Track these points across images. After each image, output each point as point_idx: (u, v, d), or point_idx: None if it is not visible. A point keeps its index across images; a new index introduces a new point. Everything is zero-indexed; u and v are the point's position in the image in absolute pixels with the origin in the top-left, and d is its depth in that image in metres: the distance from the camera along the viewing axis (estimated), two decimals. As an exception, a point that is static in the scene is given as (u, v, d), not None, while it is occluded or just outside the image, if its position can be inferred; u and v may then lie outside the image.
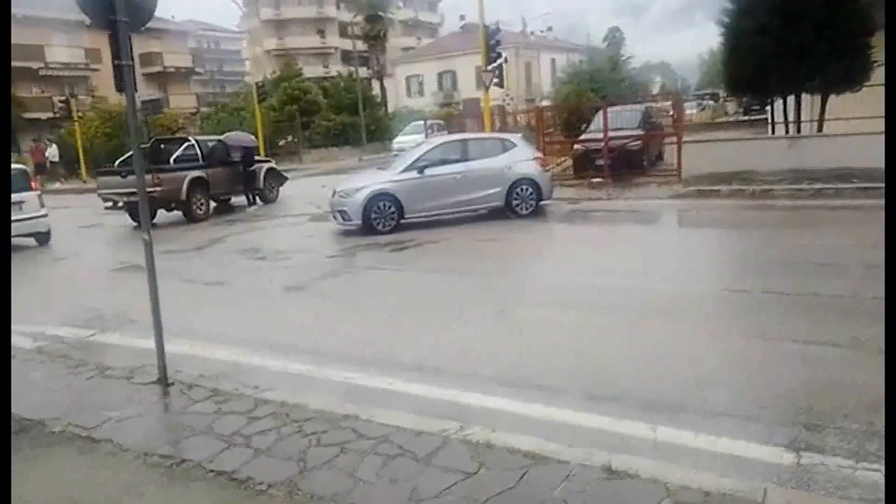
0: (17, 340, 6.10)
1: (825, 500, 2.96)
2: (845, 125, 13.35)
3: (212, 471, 3.49)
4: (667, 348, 5.03)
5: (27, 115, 36.89)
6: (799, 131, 14.58)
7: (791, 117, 14.78)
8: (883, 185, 11.26)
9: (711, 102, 43.51)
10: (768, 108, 17.55)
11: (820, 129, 14.19)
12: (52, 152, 28.91)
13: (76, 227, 15.53)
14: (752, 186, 12.61)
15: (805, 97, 14.55)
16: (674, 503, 2.92)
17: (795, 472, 3.20)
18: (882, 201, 10.34)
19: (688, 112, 30.28)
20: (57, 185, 27.39)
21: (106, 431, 4.05)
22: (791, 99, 14.71)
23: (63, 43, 40.22)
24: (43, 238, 12.56)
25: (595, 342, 5.31)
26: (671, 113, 17.81)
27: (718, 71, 31.63)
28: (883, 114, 11.77)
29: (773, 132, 16.77)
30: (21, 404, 4.50)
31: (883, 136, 11.90)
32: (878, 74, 12.65)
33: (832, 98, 13.81)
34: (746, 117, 31.14)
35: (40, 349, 5.90)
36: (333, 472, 3.38)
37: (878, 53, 12.82)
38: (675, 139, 14.95)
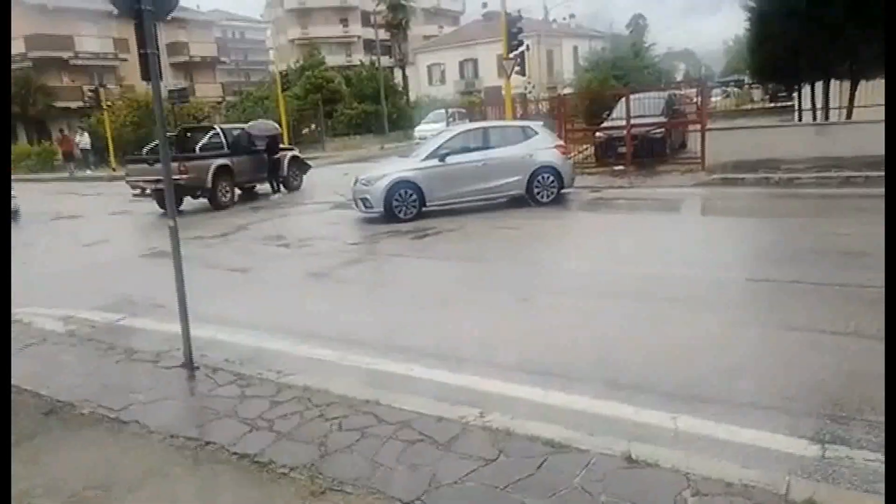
0: (48, 324, 6.27)
1: (850, 494, 2.92)
2: (875, 112, 13.01)
3: (235, 453, 3.56)
4: (689, 337, 4.99)
5: (58, 104, 37.54)
6: (827, 118, 14.28)
7: (819, 104, 14.47)
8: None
9: (736, 90, 42.71)
10: (795, 94, 17.20)
11: (849, 115, 13.88)
12: (85, 140, 29.39)
13: (106, 214, 15.82)
14: (778, 174, 12.38)
15: (833, 83, 14.22)
16: (694, 493, 2.90)
17: (820, 464, 3.16)
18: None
19: (712, 99, 29.75)
20: (87, 173, 27.87)
21: (133, 413, 4.14)
22: (819, 85, 14.39)
23: (92, 33, 40.77)
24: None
25: (616, 330, 5.28)
26: (695, 100, 17.53)
27: (743, 58, 31.10)
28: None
29: (800, 119, 16.46)
30: (52, 386, 4.63)
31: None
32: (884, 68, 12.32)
33: (862, 84, 13.49)
34: (772, 104, 30.59)
35: (71, 332, 6.04)
36: (354, 457, 3.42)
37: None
38: (698, 127, 14.72)
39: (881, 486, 2.94)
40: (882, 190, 10.82)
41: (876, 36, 12.35)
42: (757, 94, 38.88)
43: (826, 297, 5.72)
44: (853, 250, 7.13)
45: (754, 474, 3.02)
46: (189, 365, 4.84)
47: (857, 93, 13.70)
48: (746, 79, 39.30)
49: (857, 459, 3.17)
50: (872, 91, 13.45)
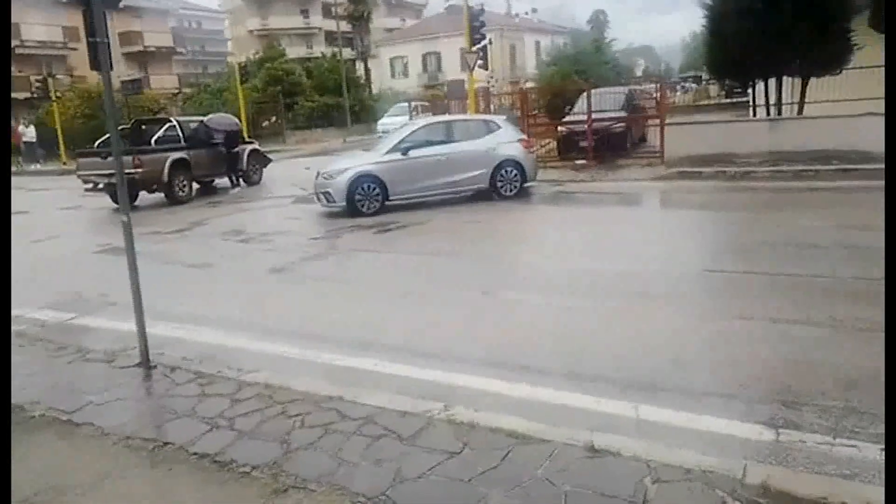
0: (-6, 324, 6.01)
1: (803, 476, 3.01)
2: (825, 108, 13.45)
3: (195, 453, 3.48)
4: (648, 329, 5.08)
5: (2, 96, 36.05)
6: (780, 114, 14.67)
7: (772, 100, 14.86)
8: (861, 166, 11.40)
9: (694, 85, 43.65)
10: (750, 90, 17.63)
11: (800, 111, 14.29)
12: (30, 133, 28.30)
13: (56, 209, 15.30)
14: (733, 168, 12.71)
15: (786, 80, 14.63)
16: (655, 480, 2.96)
17: (774, 448, 3.26)
18: (861, 182, 10.49)
19: (670, 95, 30.32)
20: (35, 167, 26.88)
21: (87, 415, 4.01)
22: (772, 82, 14.78)
23: (40, 21, 39.26)
24: None
25: (578, 323, 5.34)
26: (654, 96, 17.84)
27: (701, 54, 31.72)
28: (861, 97, 11.86)
29: (754, 115, 16.87)
30: (0, 388, 4.44)
31: (861, 119, 12.03)
32: (858, 58, 12.74)
33: (812, 81, 13.91)
34: (728, 100, 31.30)
35: (20, 333, 5.81)
36: (318, 454, 3.38)
37: (858, 37, 12.91)
38: (658, 122, 15.00)
39: (831, 468, 3.05)
40: (831, 183, 11.20)
41: (825, 36, 12.77)
42: (714, 89, 39.81)
43: (779, 287, 5.88)
44: (805, 242, 7.35)
45: (712, 460, 3.09)
46: (145, 364, 4.71)
47: (807, 89, 14.12)
48: (704, 75, 40.19)
49: (810, 442, 3.27)
50: (823, 87, 13.87)
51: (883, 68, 5.81)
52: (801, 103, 14.26)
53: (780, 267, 6.44)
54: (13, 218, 13.73)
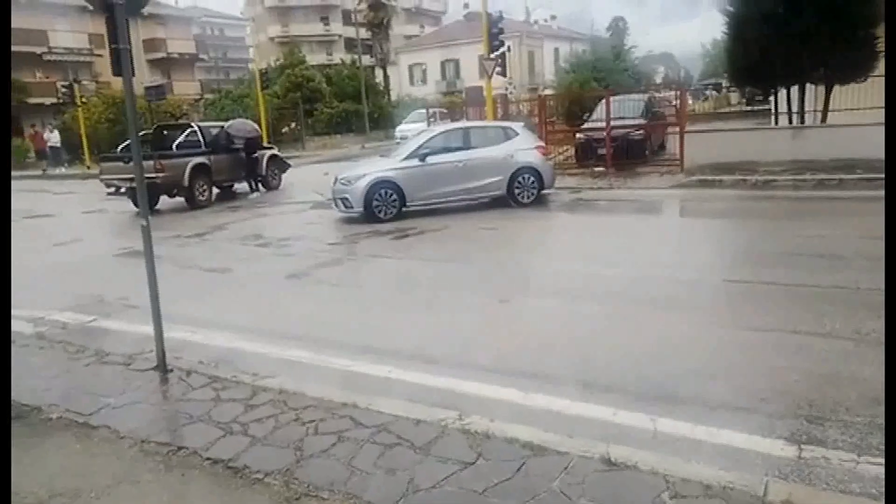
0: (16, 325, 6.09)
1: (826, 494, 2.93)
2: (849, 116, 13.24)
3: (209, 458, 3.48)
4: (667, 339, 5.00)
5: (31, 101, 36.78)
6: (802, 122, 14.48)
7: (795, 108, 14.67)
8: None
9: (714, 93, 43.25)
10: (772, 98, 17.42)
11: (824, 119, 14.09)
12: (54, 138, 28.81)
13: (79, 213, 15.52)
14: (755, 177, 12.53)
15: (809, 87, 14.43)
16: (673, 496, 2.89)
17: (797, 465, 3.17)
18: (887, 193, 10.27)
19: (690, 102, 30.06)
20: (60, 171, 27.34)
21: (103, 418, 4.04)
22: (795, 89, 14.59)
23: (66, 28, 40.04)
24: None
25: (595, 332, 5.28)
26: (674, 103, 17.69)
27: (722, 61, 31.44)
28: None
29: (776, 123, 16.66)
30: (19, 390, 4.49)
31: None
32: (883, 65, 12.52)
33: (836, 88, 13.70)
34: (749, 108, 30.99)
35: (40, 334, 5.89)
36: (331, 461, 3.37)
37: (883, 44, 12.69)
38: (677, 129, 14.85)
39: (856, 486, 2.96)
40: (855, 193, 11.02)
41: (849, 42, 12.57)
42: (734, 97, 39.41)
43: (801, 298, 5.77)
44: (828, 253, 7.22)
45: (732, 476, 3.02)
46: (162, 367, 4.73)
47: (831, 97, 13.92)
48: (724, 82, 39.81)
49: (833, 460, 3.18)
50: (847, 95, 13.67)
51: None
52: (825, 111, 14.05)
53: (801, 277, 6.32)
54: (38, 221, 14.07)
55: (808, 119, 14.53)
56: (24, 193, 20.51)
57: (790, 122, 14.87)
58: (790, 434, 3.45)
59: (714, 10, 15.16)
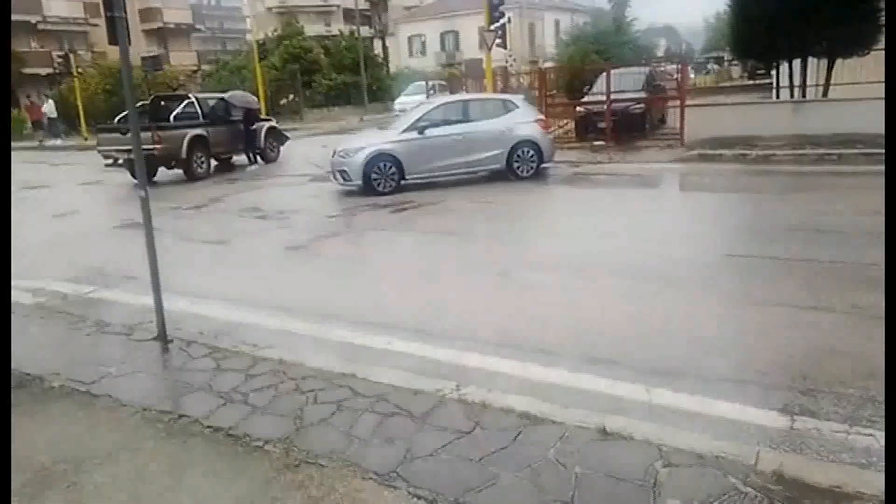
0: (17, 296, 6.10)
1: (816, 464, 2.98)
2: (851, 90, 13.13)
3: (209, 426, 3.53)
4: (665, 312, 5.03)
5: (26, 71, 36.38)
6: (804, 96, 14.36)
7: (796, 82, 14.55)
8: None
9: (716, 66, 42.83)
10: (773, 72, 17.27)
11: (825, 93, 13.98)
12: (50, 108, 28.54)
13: (77, 184, 15.45)
14: (755, 151, 12.48)
15: (811, 61, 14.29)
16: (666, 465, 2.94)
17: (789, 435, 3.22)
18: (887, 169, 10.25)
19: (692, 76, 29.78)
20: (57, 142, 27.15)
21: (104, 387, 4.08)
22: (797, 63, 14.45)
23: (60, -4, 39.47)
24: None
25: (593, 305, 5.31)
26: (675, 76, 17.53)
27: (724, 35, 31.13)
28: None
29: (777, 97, 16.54)
30: (20, 359, 4.53)
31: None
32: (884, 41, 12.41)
33: (838, 62, 13.57)
34: (751, 81, 30.73)
35: (40, 305, 5.92)
36: (329, 430, 3.41)
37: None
38: (678, 103, 14.74)
39: (846, 456, 3.02)
40: (855, 168, 10.97)
41: (852, 16, 12.42)
42: (736, 71, 39.07)
43: (799, 272, 5.79)
44: (828, 227, 7.23)
45: (725, 446, 3.07)
46: (162, 338, 4.77)
47: (833, 71, 13.79)
48: (726, 56, 39.42)
49: (825, 430, 3.23)
50: (849, 69, 13.55)
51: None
52: (827, 85, 13.95)
53: (801, 252, 6.34)
54: (36, 192, 14.00)
55: (810, 93, 14.42)
56: (22, 164, 20.40)
57: (791, 96, 14.77)
58: (783, 406, 3.50)
59: (718, -19, 14.98)
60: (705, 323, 4.82)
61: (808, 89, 14.42)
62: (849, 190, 9.55)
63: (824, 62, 13.94)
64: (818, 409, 3.45)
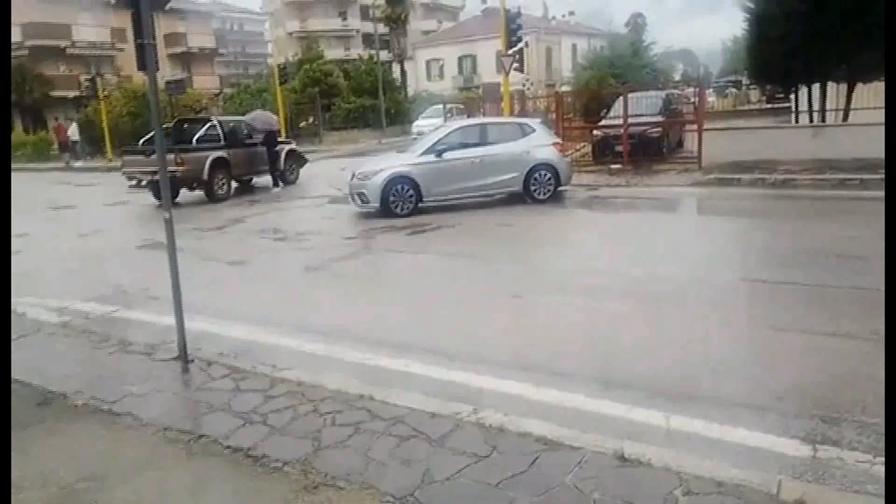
0: (41, 314, 6.25)
1: (840, 495, 2.94)
2: (872, 115, 13.03)
3: (228, 447, 3.56)
4: (682, 337, 5.00)
5: (54, 94, 37.35)
6: (824, 120, 14.29)
7: (816, 106, 14.49)
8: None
9: (734, 90, 42.73)
10: (792, 96, 17.22)
11: (846, 118, 13.90)
12: (73, 131, 29.24)
13: (102, 205, 15.75)
14: (774, 175, 12.41)
15: (831, 85, 14.24)
16: (686, 492, 2.92)
17: (811, 465, 3.18)
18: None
19: (709, 99, 29.76)
20: (81, 164, 27.74)
21: (127, 405, 4.13)
22: (816, 87, 14.41)
23: (89, 22, 40.59)
24: None
25: (610, 329, 5.29)
26: (692, 100, 17.54)
27: (741, 58, 31.11)
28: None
29: (796, 121, 16.47)
30: (45, 377, 4.62)
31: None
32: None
33: (859, 87, 13.50)
34: (770, 105, 30.60)
35: (65, 324, 6.02)
36: (347, 452, 3.43)
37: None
38: (695, 126, 14.74)
39: (871, 488, 2.96)
40: (878, 193, 10.88)
41: (872, 41, 12.39)
42: (754, 94, 38.95)
43: (819, 298, 5.74)
44: (847, 253, 7.16)
45: (745, 474, 3.03)
46: (183, 357, 4.83)
47: (853, 95, 13.73)
48: (744, 79, 39.35)
49: (848, 460, 3.18)
50: (870, 93, 13.47)
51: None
52: (847, 109, 13.87)
53: (820, 278, 6.28)
54: (61, 212, 14.27)
55: (830, 118, 14.35)
56: (48, 185, 20.89)
57: (811, 120, 14.71)
58: (805, 434, 3.46)
59: (735, 6, 15.02)
60: (724, 348, 4.78)
61: (827, 114, 14.35)
62: (871, 215, 9.43)
63: (844, 86, 13.88)
64: (841, 437, 3.41)
